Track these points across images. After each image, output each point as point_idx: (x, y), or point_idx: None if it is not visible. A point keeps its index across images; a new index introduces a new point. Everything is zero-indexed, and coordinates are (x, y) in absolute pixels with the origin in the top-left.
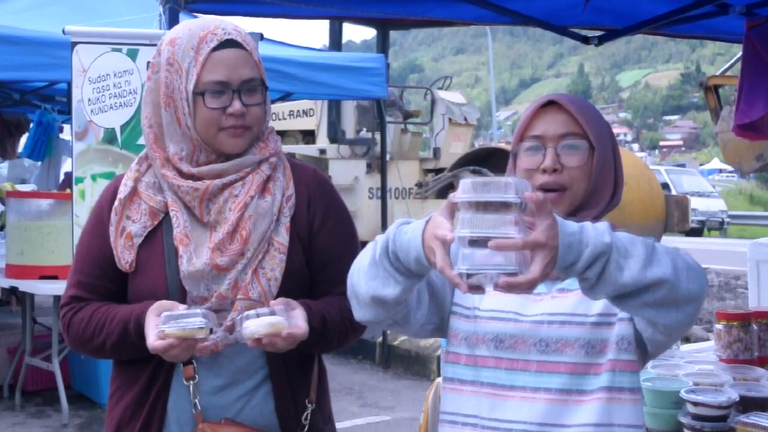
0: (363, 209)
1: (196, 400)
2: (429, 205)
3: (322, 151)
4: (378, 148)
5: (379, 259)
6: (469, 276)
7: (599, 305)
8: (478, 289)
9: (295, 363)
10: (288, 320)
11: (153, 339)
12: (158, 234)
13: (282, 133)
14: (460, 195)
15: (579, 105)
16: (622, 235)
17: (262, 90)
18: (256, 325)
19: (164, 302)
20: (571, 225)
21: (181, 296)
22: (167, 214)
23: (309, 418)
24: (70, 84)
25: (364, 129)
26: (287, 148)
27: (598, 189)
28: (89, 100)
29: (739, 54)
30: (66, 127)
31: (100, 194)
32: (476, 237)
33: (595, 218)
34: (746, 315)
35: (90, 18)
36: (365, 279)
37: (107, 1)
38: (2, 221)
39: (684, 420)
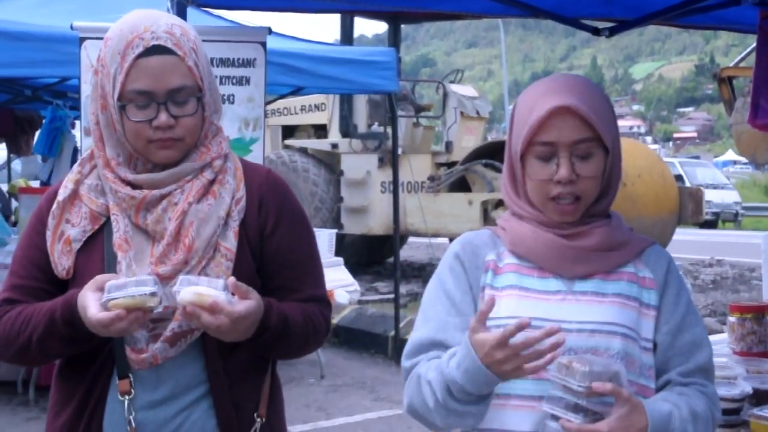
0: (375, 203)
1: (131, 417)
2: (441, 199)
3: (334, 146)
4: (390, 142)
5: (443, 401)
6: None
7: (629, 319)
8: None
9: (241, 376)
10: (227, 296)
11: (95, 311)
12: (98, 239)
13: (294, 128)
14: (551, 372)
15: (590, 102)
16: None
17: (196, 99)
18: (185, 290)
19: (102, 276)
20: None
21: None
22: (109, 218)
23: None
24: (80, 80)
25: (376, 123)
26: (299, 143)
27: (610, 185)
28: None
29: (754, 45)
30: (78, 123)
31: (42, 197)
32: (553, 413)
33: (606, 207)
34: (760, 307)
35: (98, 13)
36: (439, 418)
37: None
38: (15, 217)
39: None
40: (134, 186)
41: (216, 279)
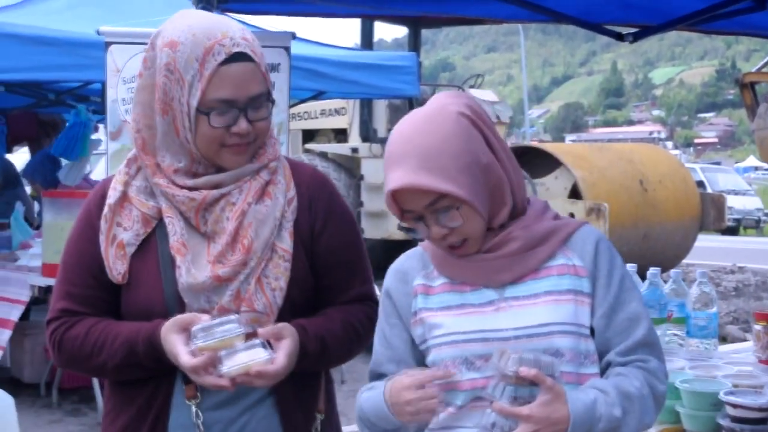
0: None
1: (199, 422)
2: None
3: (354, 150)
4: None
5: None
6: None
7: (565, 314)
8: None
9: (300, 373)
10: (268, 353)
11: (188, 358)
12: (151, 242)
13: (314, 132)
14: (493, 360)
15: (428, 161)
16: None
17: (269, 103)
18: (228, 367)
19: (182, 317)
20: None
21: (180, 309)
22: (160, 220)
23: (319, 428)
24: (104, 84)
25: None
26: (319, 147)
27: (501, 198)
28: (123, 99)
29: None
30: (101, 126)
31: (87, 198)
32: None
33: (508, 213)
34: None
35: (123, 18)
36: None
37: (140, 2)
38: (38, 221)
39: (723, 422)
40: (190, 189)
41: (253, 341)
